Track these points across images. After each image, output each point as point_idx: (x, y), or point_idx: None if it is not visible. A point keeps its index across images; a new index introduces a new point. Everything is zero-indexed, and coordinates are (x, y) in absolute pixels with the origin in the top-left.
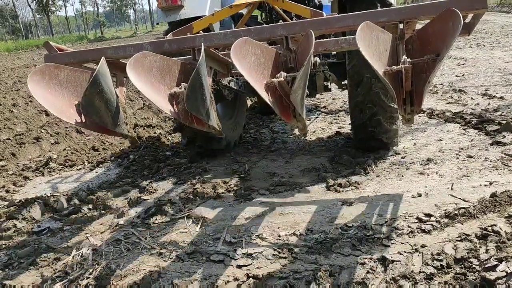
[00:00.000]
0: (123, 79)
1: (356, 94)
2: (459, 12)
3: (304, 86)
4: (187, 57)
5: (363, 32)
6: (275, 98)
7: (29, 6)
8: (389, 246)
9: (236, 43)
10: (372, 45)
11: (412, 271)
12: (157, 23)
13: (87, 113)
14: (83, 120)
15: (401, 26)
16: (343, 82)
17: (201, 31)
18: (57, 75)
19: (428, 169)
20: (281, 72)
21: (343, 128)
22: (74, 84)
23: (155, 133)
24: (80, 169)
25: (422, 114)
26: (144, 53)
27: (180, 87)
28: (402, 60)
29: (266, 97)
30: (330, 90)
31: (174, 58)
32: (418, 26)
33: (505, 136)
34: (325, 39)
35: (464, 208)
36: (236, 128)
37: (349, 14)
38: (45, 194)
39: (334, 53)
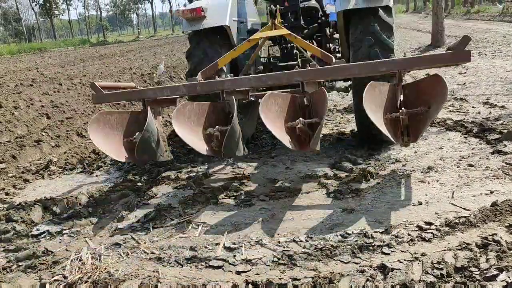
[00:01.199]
0: (159, 110)
1: (359, 101)
2: (446, 82)
3: (320, 132)
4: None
5: (367, 93)
6: (293, 135)
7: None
8: (389, 254)
9: (263, 101)
10: (374, 98)
11: (412, 280)
12: (182, 31)
13: (139, 156)
14: (135, 157)
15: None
16: (346, 85)
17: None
18: (108, 120)
19: (429, 177)
20: (300, 118)
21: (344, 134)
22: (122, 124)
23: None
24: (80, 172)
25: None
26: (184, 104)
27: (214, 129)
28: (400, 111)
29: (285, 140)
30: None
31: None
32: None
33: (506, 145)
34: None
35: (464, 216)
36: (251, 125)
37: (354, 64)
38: (44, 197)
39: (339, 56)
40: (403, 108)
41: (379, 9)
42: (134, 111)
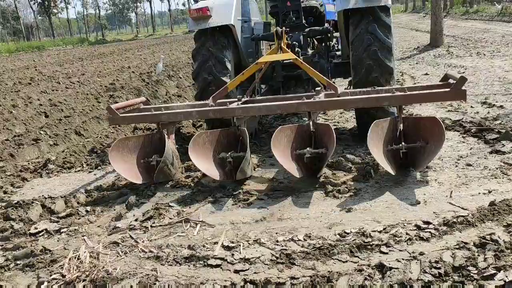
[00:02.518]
0: (172, 128)
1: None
2: (443, 125)
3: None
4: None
5: (372, 129)
6: (300, 161)
7: (31, 7)
8: (387, 253)
9: (274, 135)
10: (378, 135)
11: (410, 279)
12: (189, 30)
13: (157, 179)
14: (152, 179)
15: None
16: (349, 79)
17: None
18: (126, 144)
19: (427, 176)
20: (308, 148)
21: (343, 134)
22: (138, 147)
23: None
24: (78, 171)
25: None
26: (199, 134)
27: (227, 154)
28: (400, 145)
29: (290, 167)
30: None
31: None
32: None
33: (504, 145)
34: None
35: (462, 216)
36: (254, 120)
37: (359, 97)
38: (42, 195)
39: (339, 54)
40: (403, 143)
41: (378, 9)
42: (148, 134)
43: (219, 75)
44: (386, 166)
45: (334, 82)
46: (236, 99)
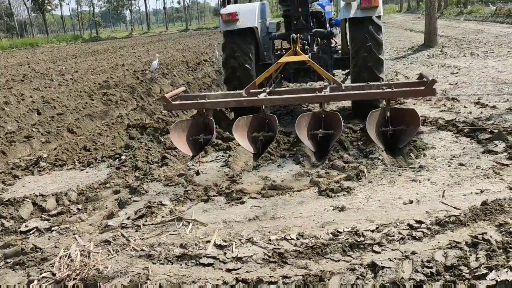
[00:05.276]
0: (211, 112)
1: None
2: (419, 115)
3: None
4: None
5: (369, 117)
6: (314, 139)
7: (25, 4)
8: (379, 252)
9: (298, 120)
10: (372, 121)
11: (402, 278)
12: (220, 30)
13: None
14: (195, 153)
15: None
16: (346, 71)
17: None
18: (180, 125)
19: (420, 176)
20: (320, 130)
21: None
22: (188, 127)
23: (147, 134)
24: (70, 168)
25: None
26: (239, 118)
27: (259, 134)
28: (388, 128)
29: (308, 143)
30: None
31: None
32: None
33: (496, 145)
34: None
35: (455, 215)
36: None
37: (358, 92)
38: (34, 193)
39: (339, 51)
40: (390, 126)
41: (372, 17)
42: (195, 118)
43: (244, 64)
44: (378, 143)
45: (334, 74)
46: (262, 90)
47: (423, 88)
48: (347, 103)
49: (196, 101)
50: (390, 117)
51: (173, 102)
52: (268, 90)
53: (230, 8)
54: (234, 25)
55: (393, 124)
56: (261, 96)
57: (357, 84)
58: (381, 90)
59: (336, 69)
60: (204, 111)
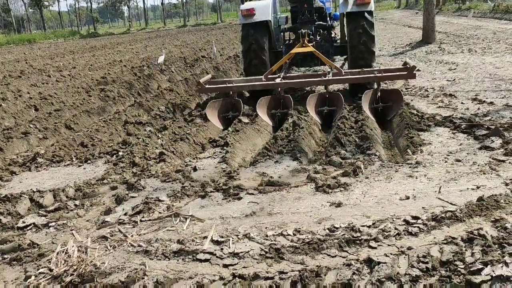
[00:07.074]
0: (236, 94)
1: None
2: (402, 94)
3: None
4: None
5: (364, 96)
6: (320, 115)
7: (22, 0)
8: (375, 247)
9: (308, 99)
10: (367, 98)
11: (398, 273)
12: (239, 23)
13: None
14: (225, 126)
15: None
16: (344, 57)
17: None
18: (214, 104)
19: (417, 172)
20: (325, 107)
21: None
22: (217, 107)
23: (145, 130)
24: (68, 165)
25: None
26: (261, 98)
27: (276, 111)
28: (379, 104)
29: (315, 118)
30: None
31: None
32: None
33: (493, 141)
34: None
35: (451, 211)
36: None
37: (355, 77)
38: (31, 189)
39: (338, 40)
40: (380, 103)
41: (365, 12)
42: (225, 98)
43: (260, 54)
44: (371, 116)
45: (334, 60)
46: (277, 76)
47: (405, 72)
48: (343, 86)
49: (224, 85)
50: (380, 96)
51: (207, 86)
52: (282, 75)
53: (248, 4)
54: (251, 18)
55: (382, 101)
56: (277, 80)
57: (354, 70)
58: (373, 75)
59: (335, 55)
60: (231, 93)
